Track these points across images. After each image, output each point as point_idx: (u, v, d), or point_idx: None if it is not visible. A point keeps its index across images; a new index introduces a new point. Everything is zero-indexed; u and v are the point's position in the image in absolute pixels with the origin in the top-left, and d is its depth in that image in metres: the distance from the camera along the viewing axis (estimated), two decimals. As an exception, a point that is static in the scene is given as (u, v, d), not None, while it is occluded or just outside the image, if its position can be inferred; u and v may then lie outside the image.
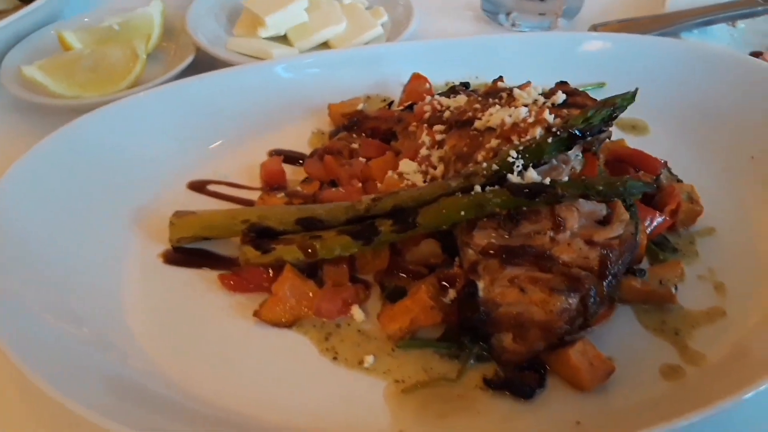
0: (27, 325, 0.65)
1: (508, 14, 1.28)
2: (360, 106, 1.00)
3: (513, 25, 1.28)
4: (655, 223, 0.77)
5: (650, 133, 0.96)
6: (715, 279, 0.76)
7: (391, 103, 1.02)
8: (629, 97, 0.69)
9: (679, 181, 0.85)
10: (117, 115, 0.88)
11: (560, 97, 0.77)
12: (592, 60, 1.02)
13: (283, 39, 1.16)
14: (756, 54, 1.15)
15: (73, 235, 0.78)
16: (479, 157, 0.73)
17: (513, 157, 0.68)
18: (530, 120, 0.72)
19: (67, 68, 1.02)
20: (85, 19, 1.20)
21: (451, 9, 1.34)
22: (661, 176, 0.83)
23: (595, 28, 1.15)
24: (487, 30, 1.29)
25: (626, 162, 0.82)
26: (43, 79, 1.01)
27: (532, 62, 1.02)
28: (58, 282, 0.72)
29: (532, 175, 0.68)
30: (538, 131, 0.70)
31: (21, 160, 0.79)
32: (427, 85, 1.00)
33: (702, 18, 1.15)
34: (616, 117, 0.70)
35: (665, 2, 1.21)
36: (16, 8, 1.27)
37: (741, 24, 1.23)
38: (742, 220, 0.82)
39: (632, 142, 0.91)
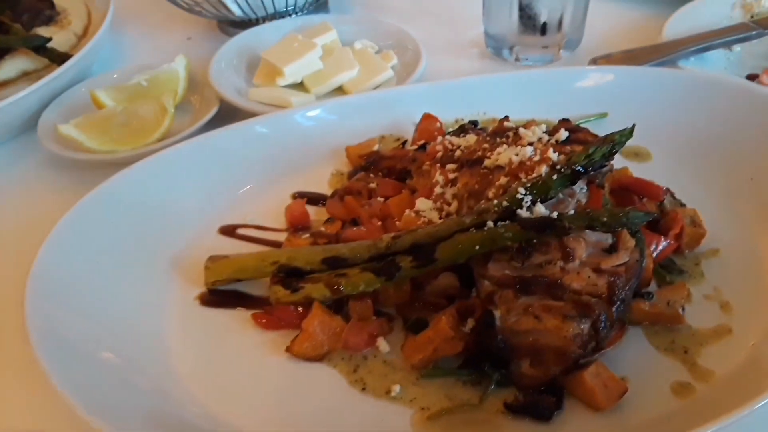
0: (81, 370, 0.71)
1: (511, 49, 1.34)
2: (375, 147, 1.06)
3: (516, 59, 1.34)
4: (660, 248, 0.81)
5: (653, 160, 1.01)
6: (720, 298, 0.80)
7: (404, 143, 1.08)
8: (627, 133, 0.74)
9: (682, 205, 0.89)
10: (151, 169, 0.95)
11: (563, 134, 0.82)
12: (594, 92, 1.07)
13: (300, 86, 1.23)
14: (752, 77, 1.19)
15: (117, 284, 0.84)
16: (490, 194, 0.79)
17: (521, 194, 0.74)
18: (536, 158, 0.78)
19: (101, 125, 1.10)
20: (114, 76, 1.28)
21: (457, 48, 1.41)
22: (665, 202, 0.87)
23: (595, 61, 1.20)
24: (492, 66, 1.35)
25: (630, 190, 0.87)
26: (79, 136, 1.09)
27: (537, 97, 1.08)
28: (106, 329, 0.78)
29: (540, 209, 0.73)
30: (543, 169, 0.75)
31: (67, 216, 0.86)
32: (438, 124, 1.06)
33: (698, 45, 1.20)
34: (615, 152, 0.75)
35: (662, 32, 1.26)
36: (46, 68, 1.36)
37: (737, 48, 1.27)
38: (744, 240, 0.86)
39: (636, 168, 0.95)
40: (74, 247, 0.84)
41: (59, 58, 1.33)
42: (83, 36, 1.49)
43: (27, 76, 1.36)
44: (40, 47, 1.35)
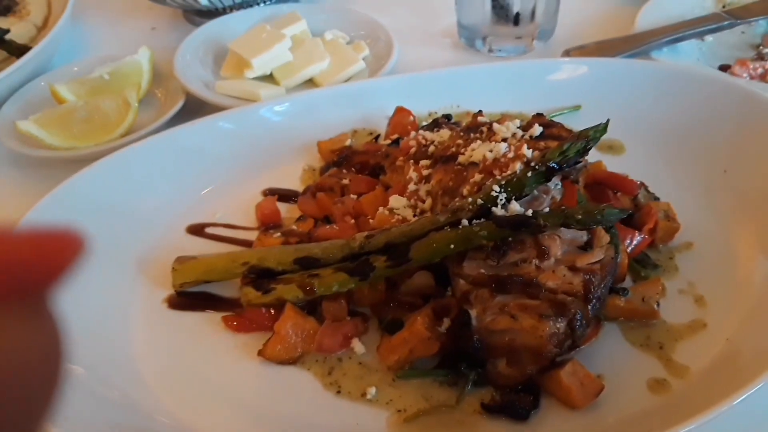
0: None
1: (484, 40, 1.33)
2: (348, 142, 1.04)
3: (490, 50, 1.33)
4: (635, 242, 0.81)
5: (626, 152, 1.00)
6: (695, 292, 0.80)
7: (377, 137, 1.06)
8: (601, 129, 0.73)
9: (656, 199, 0.89)
10: (114, 166, 0.91)
11: (537, 129, 0.81)
12: (567, 84, 1.07)
13: (270, 78, 1.20)
14: (724, 67, 1.20)
15: (81, 288, 0.80)
16: (464, 191, 0.77)
17: (496, 191, 0.72)
18: (510, 155, 0.76)
19: (61, 121, 1.05)
20: (75, 69, 1.23)
21: (429, 38, 1.38)
22: (639, 196, 0.87)
23: (568, 52, 1.19)
24: (465, 56, 1.33)
25: (605, 185, 0.86)
26: (39, 133, 1.04)
27: (510, 89, 1.07)
28: (70, 337, 0.75)
29: (515, 207, 0.72)
30: (518, 165, 0.74)
31: (27, 217, 0.82)
32: (411, 117, 1.04)
33: (671, 36, 1.19)
34: (590, 149, 0.74)
35: (635, 22, 1.25)
36: (4, 60, 1.31)
37: (709, 38, 1.27)
38: (718, 233, 0.86)
39: (610, 161, 0.95)
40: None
41: (18, 50, 1.28)
42: (43, 27, 1.43)
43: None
44: (-1, 40, 1.30)
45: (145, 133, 1.04)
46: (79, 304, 0.79)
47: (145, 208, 0.92)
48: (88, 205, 0.88)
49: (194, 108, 1.13)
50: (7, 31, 1.32)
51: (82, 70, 1.21)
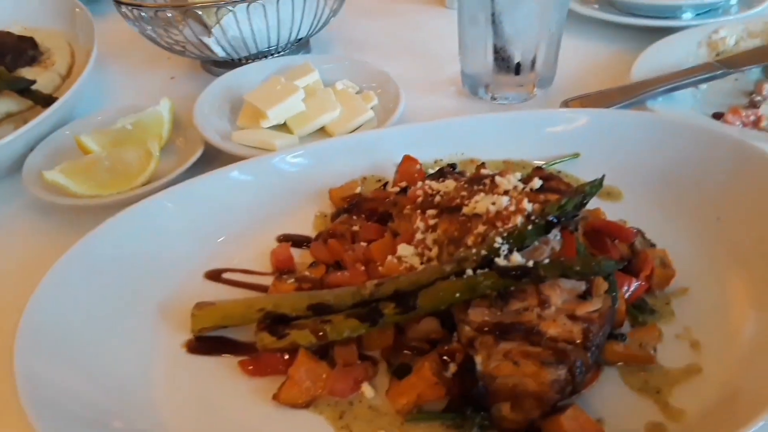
0: (69, 424, 0.72)
1: (486, 88, 1.39)
2: (357, 189, 1.09)
3: (493, 98, 1.39)
4: (632, 289, 0.85)
5: (624, 199, 1.05)
6: (691, 337, 0.83)
7: (385, 184, 1.11)
8: (597, 185, 0.78)
9: (652, 245, 0.93)
10: (137, 217, 0.96)
11: (537, 183, 0.86)
12: (566, 134, 1.12)
13: (284, 127, 1.26)
14: (718, 115, 1.25)
15: (105, 334, 0.85)
16: (469, 242, 0.82)
17: (498, 243, 0.77)
18: (512, 208, 0.81)
19: (86, 170, 1.11)
20: (98, 118, 1.30)
21: (434, 86, 1.45)
22: (636, 243, 0.91)
23: (566, 103, 1.25)
24: (469, 104, 1.39)
25: (603, 233, 0.90)
26: (65, 182, 1.10)
27: (512, 138, 1.13)
28: (94, 381, 0.79)
29: (517, 258, 0.76)
30: (519, 218, 0.78)
31: (55, 267, 0.87)
32: (418, 165, 1.09)
33: (665, 85, 1.25)
34: (586, 203, 0.78)
35: (630, 72, 1.31)
36: (30, 109, 1.38)
37: (703, 86, 1.32)
38: (712, 279, 0.90)
39: (607, 208, 0.98)
40: (62, 297, 0.86)
41: (44, 100, 1.35)
42: (67, 76, 1.50)
43: (10, 118, 1.37)
44: (25, 89, 1.37)
45: (165, 182, 1.10)
46: (104, 348, 0.84)
47: (166, 256, 0.97)
48: (112, 255, 0.93)
49: (212, 156, 1.19)
50: (34, 81, 1.39)
51: (105, 120, 1.28)
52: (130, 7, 1.36)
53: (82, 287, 0.88)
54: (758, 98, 1.27)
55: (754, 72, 1.36)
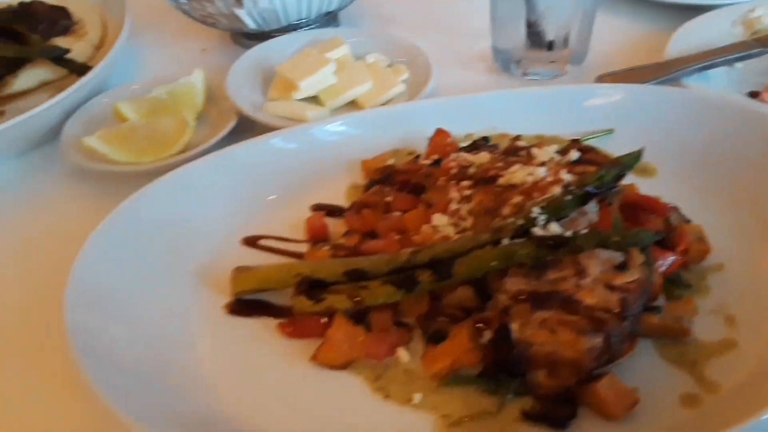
0: (120, 379, 0.75)
1: (518, 63, 1.38)
2: (390, 161, 1.10)
3: (524, 74, 1.38)
4: (668, 263, 0.85)
5: (659, 176, 1.04)
6: (726, 312, 0.83)
7: (417, 156, 1.12)
8: (636, 156, 0.78)
9: (687, 221, 0.93)
10: (175, 184, 0.98)
11: (574, 154, 0.86)
12: (600, 109, 1.11)
13: (315, 99, 1.27)
14: (754, 94, 1.23)
15: (148, 296, 0.87)
16: (505, 212, 0.82)
17: (536, 213, 0.78)
18: (549, 179, 0.81)
19: (124, 137, 1.13)
20: (134, 87, 1.31)
21: (466, 61, 1.44)
22: (671, 218, 0.91)
23: (601, 78, 1.24)
24: (500, 80, 1.39)
25: (638, 207, 0.91)
26: (103, 148, 1.12)
27: (546, 113, 1.12)
28: (140, 339, 0.82)
29: (554, 228, 0.77)
30: (556, 189, 0.79)
31: (96, 230, 0.89)
32: (450, 139, 1.09)
33: (701, 63, 1.24)
34: (625, 175, 0.79)
35: (665, 49, 1.30)
36: (65, 78, 1.39)
37: (738, 65, 1.31)
38: (748, 255, 0.90)
39: (642, 184, 0.98)
40: (105, 260, 0.88)
41: (79, 69, 1.36)
42: (100, 46, 1.52)
43: (45, 86, 1.39)
44: (60, 58, 1.38)
45: (201, 151, 1.11)
46: (148, 309, 0.86)
47: (203, 222, 0.98)
48: (150, 220, 0.95)
49: (245, 127, 1.20)
50: (69, 50, 1.41)
51: (140, 89, 1.29)
52: (163, -23, 1.37)
53: (123, 250, 0.90)
54: (795, 77, 1.25)
55: (792, 52, 1.34)
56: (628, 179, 1.00)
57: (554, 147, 0.90)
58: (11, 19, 1.44)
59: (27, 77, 1.36)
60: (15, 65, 1.36)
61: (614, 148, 1.07)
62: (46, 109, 1.19)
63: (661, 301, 0.84)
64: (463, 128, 1.14)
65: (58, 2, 1.59)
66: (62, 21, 1.54)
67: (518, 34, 1.33)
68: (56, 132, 1.22)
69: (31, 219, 1.13)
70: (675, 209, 0.93)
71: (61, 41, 1.48)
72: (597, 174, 0.79)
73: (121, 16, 1.46)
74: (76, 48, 1.45)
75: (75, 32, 1.55)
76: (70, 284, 0.81)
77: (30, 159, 1.25)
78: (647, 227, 0.87)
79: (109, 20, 1.59)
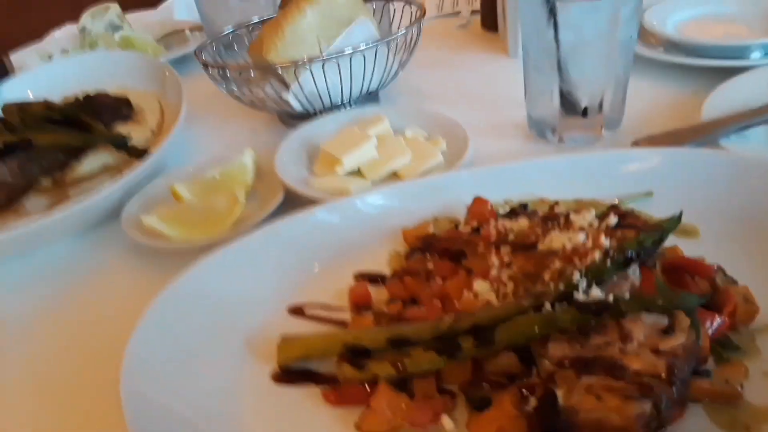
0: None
1: (553, 131, 1.41)
2: (430, 229, 1.13)
3: (560, 140, 1.41)
4: (715, 325, 0.83)
5: (701, 237, 1.04)
6: (777, 374, 0.81)
7: (457, 225, 1.14)
8: (675, 220, 0.79)
9: (733, 282, 0.92)
10: (225, 258, 1.03)
11: (613, 219, 0.87)
12: (638, 173, 1.13)
13: (358, 173, 1.32)
14: (794, 151, 1.23)
15: (199, 368, 0.91)
16: (546, 277, 0.84)
17: (577, 278, 0.78)
18: (588, 244, 0.83)
19: (179, 216, 1.20)
20: (189, 169, 1.40)
21: (501, 131, 1.49)
22: (716, 279, 0.90)
23: (637, 143, 1.26)
24: (536, 147, 1.42)
25: (682, 269, 0.90)
26: (160, 226, 1.19)
27: (583, 179, 1.14)
28: (192, 412, 0.85)
29: (596, 292, 0.77)
30: (596, 254, 0.80)
31: (151, 306, 0.94)
32: (489, 206, 1.12)
33: (738, 123, 1.24)
34: (665, 238, 0.79)
35: (701, 110, 1.31)
36: (125, 162, 1.50)
37: (777, 123, 1.31)
38: (799, 316, 0.88)
39: (685, 245, 0.98)
40: (160, 333, 0.92)
41: (138, 153, 1.47)
42: (158, 132, 1.63)
43: (107, 171, 1.50)
44: (121, 144, 1.50)
45: (251, 225, 1.17)
46: (198, 382, 0.89)
47: (252, 293, 1.03)
48: (202, 293, 1.00)
49: (291, 201, 1.26)
50: (129, 137, 1.52)
51: (194, 170, 1.38)
52: (217, 69, 1.48)
53: (177, 323, 0.95)
54: (836, 134, 1.24)
55: (831, 109, 1.33)
56: (670, 241, 1.00)
57: (593, 212, 0.92)
58: (77, 110, 1.57)
59: (90, 163, 1.47)
60: (80, 151, 1.48)
61: (654, 210, 1.07)
62: (107, 192, 1.28)
63: (710, 365, 0.82)
64: (501, 196, 1.16)
65: (119, 92, 1.74)
66: (123, 109, 1.68)
67: (552, 102, 1.37)
68: (117, 213, 1.30)
69: (92, 292, 1.20)
70: (720, 270, 0.92)
71: (122, 128, 1.61)
72: (636, 238, 0.79)
73: (178, 104, 1.58)
74: (136, 134, 1.57)
75: (135, 119, 1.68)
76: (127, 356, 0.85)
77: (92, 238, 1.34)
78: (692, 289, 0.87)
79: (166, 107, 1.71)
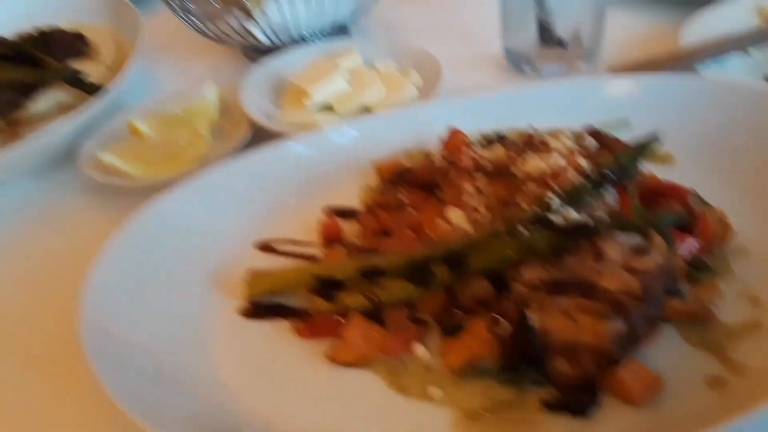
0: (134, 381, 0.75)
1: (530, 62, 1.38)
2: (403, 162, 1.09)
3: (536, 72, 1.37)
4: (690, 247, 0.83)
5: (677, 164, 1.02)
6: (751, 294, 0.81)
7: (431, 157, 1.11)
8: (653, 140, 0.76)
9: (708, 206, 0.91)
10: (191, 191, 0.99)
11: (590, 142, 0.84)
12: (615, 101, 1.10)
13: (327, 108, 1.27)
14: (771, 79, 1.21)
15: (164, 303, 0.88)
16: (521, 202, 0.81)
17: (553, 200, 0.76)
18: (564, 165, 0.80)
19: (139, 152, 1.15)
20: (149, 105, 1.33)
21: (476, 63, 1.44)
22: (692, 203, 0.89)
23: (614, 70, 1.23)
24: (512, 79, 1.38)
25: (657, 193, 0.89)
26: (120, 164, 1.14)
27: (559, 107, 1.10)
28: (156, 343, 0.82)
29: (572, 214, 0.75)
30: (573, 176, 0.78)
31: (113, 238, 0.90)
32: (464, 137, 1.08)
33: (716, 51, 1.22)
34: (643, 158, 0.77)
35: (678, 39, 1.28)
36: (79, 99, 1.42)
37: (754, 52, 1.28)
38: (772, 238, 0.87)
39: (661, 172, 0.96)
40: (121, 269, 0.89)
41: (93, 89, 1.40)
42: (115, 68, 1.55)
43: (65, 110, 1.42)
44: (74, 79, 1.42)
45: (216, 162, 1.12)
46: (163, 314, 0.86)
47: (218, 228, 0.99)
48: (165, 228, 0.96)
49: (259, 138, 1.21)
50: (81, 72, 1.44)
51: (155, 106, 1.31)
52: (176, 0, 1.40)
53: (139, 258, 0.91)
54: (815, 61, 1.23)
55: (809, 37, 1.31)
56: (647, 168, 0.98)
57: (570, 135, 0.89)
58: (29, 45, 1.48)
59: (44, 101, 1.40)
60: (33, 89, 1.40)
61: (631, 139, 1.05)
62: (60, 128, 1.22)
63: (684, 286, 0.81)
64: (476, 127, 1.12)
65: (74, 28, 1.64)
66: (78, 45, 1.59)
67: (529, 33, 1.32)
68: (74, 151, 1.24)
69: (50, 233, 1.15)
70: (695, 194, 0.91)
71: (76, 64, 1.52)
72: (614, 158, 0.77)
73: (134, 38, 1.49)
74: (91, 70, 1.48)
75: (90, 56, 1.59)
76: (86, 291, 0.82)
77: (49, 178, 1.28)
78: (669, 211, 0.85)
79: (124, 44, 1.62)
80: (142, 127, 1.20)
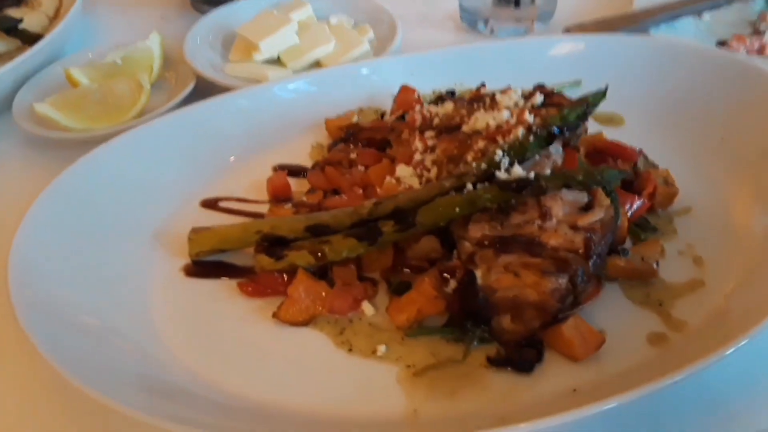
0: (69, 342, 0.71)
1: (485, 22, 1.36)
2: (354, 119, 1.07)
3: (491, 32, 1.36)
4: (634, 207, 0.84)
5: (626, 125, 1.03)
6: (693, 253, 0.82)
7: (383, 115, 1.09)
8: (600, 95, 0.76)
9: (655, 166, 0.92)
10: (130, 143, 0.95)
11: (538, 98, 0.83)
12: (567, 60, 1.09)
13: (277, 61, 1.23)
14: (722, 43, 1.22)
15: (101, 258, 0.84)
16: (469, 158, 0.80)
17: (499, 156, 0.75)
18: (512, 121, 0.79)
19: (76, 103, 1.09)
20: (89, 55, 1.27)
21: (432, 21, 1.42)
22: (638, 163, 0.90)
23: (568, 30, 1.22)
24: (467, 38, 1.36)
25: (605, 153, 0.89)
26: (55, 115, 1.07)
27: (511, 66, 1.09)
28: (92, 302, 0.78)
29: (518, 170, 0.75)
30: (520, 131, 0.77)
31: (46, 191, 0.86)
32: (416, 95, 1.06)
33: (668, 13, 1.22)
34: (589, 114, 0.77)
35: (632, 1, 1.28)
36: (18, 49, 1.34)
37: (706, 16, 1.30)
38: (715, 198, 0.89)
39: (609, 133, 0.97)
40: (56, 222, 0.84)
41: (31, 38, 1.32)
42: (55, 17, 1.46)
43: (1, 59, 1.34)
44: (11, 28, 1.33)
45: (157, 114, 1.07)
46: (101, 272, 0.83)
47: (160, 184, 0.95)
48: (105, 181, 0.92)
49: (204, 91, 1.16)
50: (21, 20, 1.36)
51: (95, 56, 1.25)
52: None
53: (74, 212, 0.87)
54: (763, 26, 1.24)
55: (758, 2, 1.33)
56: (595, 129, 0.99)
57: (518, 92, 0.88)
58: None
59: (-21, 49, 1.30)
60: (-35, 38, 1.31)
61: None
62: (-8, 76, 1.14)
63: (628, 245, 0.82)
64: (429, 85, 1.11)
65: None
66: (17, -8, 1.48)
67: (485, -8, 1.30)
68: (8, 102, 1.17)
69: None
70: (641, 154, 0.91)
71: (14, 12, 1.43)
72: (560, 113, 0.76)
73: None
74: (30, 19, 1.39)
75: (29, 3, 1.49)
76: (15, 247, 0.78)
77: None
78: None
79: (65, -8, 1.53)
80: (80, 77, 1.14)
